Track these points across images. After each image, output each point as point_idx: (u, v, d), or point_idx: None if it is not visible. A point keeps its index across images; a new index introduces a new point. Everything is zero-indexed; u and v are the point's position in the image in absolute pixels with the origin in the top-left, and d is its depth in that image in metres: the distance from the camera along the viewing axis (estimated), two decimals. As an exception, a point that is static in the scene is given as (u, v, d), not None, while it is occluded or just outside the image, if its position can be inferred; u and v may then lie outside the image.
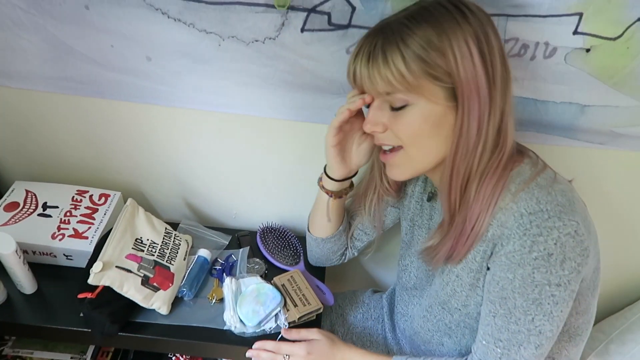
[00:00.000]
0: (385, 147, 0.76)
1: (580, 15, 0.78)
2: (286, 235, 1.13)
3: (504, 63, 0.67)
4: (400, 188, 0.95)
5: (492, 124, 0.67)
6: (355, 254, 1.04)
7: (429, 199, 0.90)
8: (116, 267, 0.90)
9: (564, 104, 0.90)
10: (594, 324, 1.28)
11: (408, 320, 0.98)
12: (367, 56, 0.68)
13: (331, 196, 0.91)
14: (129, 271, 0.91)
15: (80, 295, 0.87)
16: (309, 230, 1.01)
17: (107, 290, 0.88)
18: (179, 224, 1.13)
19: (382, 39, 0.66)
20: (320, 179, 0.93)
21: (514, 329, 0.71)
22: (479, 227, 0.71)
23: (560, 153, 0.95)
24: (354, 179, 0.93)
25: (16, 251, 0.88)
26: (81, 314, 0.91)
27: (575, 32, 0.81)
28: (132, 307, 0.92)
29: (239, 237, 1.14)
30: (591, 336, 1.25)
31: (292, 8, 0.82)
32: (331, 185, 0.90)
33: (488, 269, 0.74)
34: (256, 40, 0.86)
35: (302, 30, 0.84)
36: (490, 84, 0.66)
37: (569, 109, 0.90)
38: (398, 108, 0.69)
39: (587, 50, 0.83)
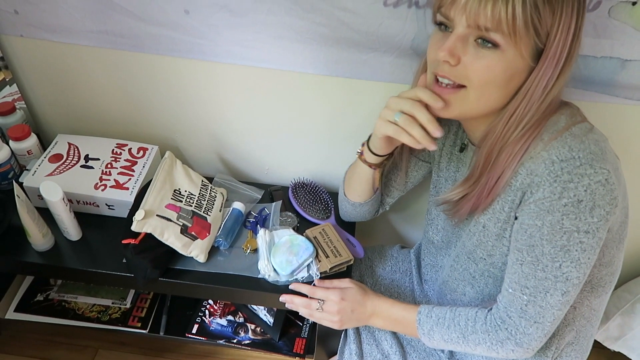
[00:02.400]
0: (444, 81, 0.71)
1: (627, -36, 0.76)
2: (317, 190, 1.15)
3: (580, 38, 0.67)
4: None
5: (550, 95, 0.68)
6: (387, 208, 1.06)
7: (461, 150, 0.90)
8: (157, 215, 0.94)
9: (605, 59, 0.88)
10: (621, 284, 1.29)
11: (438, 270, 1.00)
12: None
13: (374, 168, 0.90)
14: (169, 220, 0.95)
15: (125, 241, 0.91)
16: (345, 195, 1.02)
17: (149, 237, 0.92)
18: (213, 178, 1.16)
19: None
20: (360, 153, 0.91)
21: (540, 276, 0.71)
22: (507, 176, 0.71)
23: (598, 109, 0.93)
24: None
25: (63, 199, 0.93)
26: (124, 260, 0.96)
27: (621, -17, 0.78)
28: (171, 254, 0.96)
29: (272, 192, 1.17)
30: (617, 295, 1.26)
31: (330, -42, 0.82)
32: (373, 159, 0.89)
33: (516, 218, 0.74)
34: (293, -8, 0.86)
35: (340, -19, 0.84)
36: (568, 57, 0.66)
37: (610, 64, 0.89)
38: (487, 46, 0.65)
39: (634, 4, 0.80)
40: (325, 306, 0.91)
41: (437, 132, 0.72)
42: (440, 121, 0.74)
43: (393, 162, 0.99)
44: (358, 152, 0.92)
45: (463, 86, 0.70)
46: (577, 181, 0.65)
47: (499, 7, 0.61)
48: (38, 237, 0.95)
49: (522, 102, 0.69)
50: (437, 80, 0.72)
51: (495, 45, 0.64)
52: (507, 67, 0.66)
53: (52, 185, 0.92)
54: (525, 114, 0.69)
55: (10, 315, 1.19)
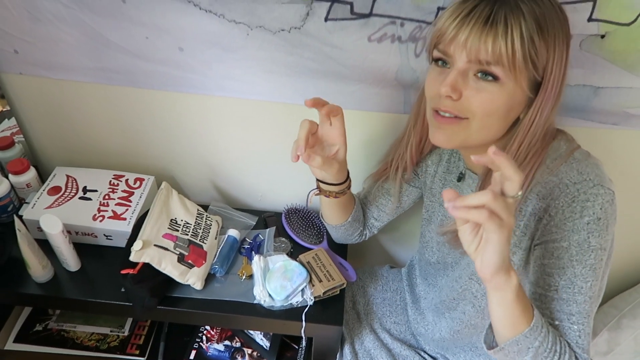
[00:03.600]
0: (445, 114, 0.73)
1: (594, 2, 0.81)
2: (310, 215, 1.18)
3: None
4: (418, 164, 0.98)
5: (551, 119, 0.72)
6: (375, 232, 1.09)
7: (459, 179, 0.91)
8: (154, 245, 0.97)
9: (578, 87, 0.93)
10: (607, 300, 1.33)
11: (436, 290, 1.02)
12: (485, 19, 0.64)
13: (335, 197, 0.91)
14: (166, 249, 0.98)
15: (123, 271, 0.93)
16: (322, 217, 1.05)
17: (147, 267, 0.94)
18: (208, 206, 1.19)
19: (504, 7, 0.65)
20: (316, 190, 0.93)
21: (580, 300, 0.72)
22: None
23: (575, 133, 0.97)
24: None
25: (62, 231, 0.95)
26: (122, 289, 0.98)
27: (590, 19, 0.83)
28: (169, 282, 0.98)
29: (265, 218, 1.20)
30: (604, 311, 1.30)
31: (316, -2, 0.86)
32: (330, 188, 0.90)
33: (535, 246, 0.76)
34: (282, 30, 0.91)
35: (326, 19, 0.88)
36: (563, 86, 0.70)
37: (583, 91, 0.94)
38: (487, 79, 0.68)
39: (602, 37, 0.86)
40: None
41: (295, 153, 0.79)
42: (435, 147, 0.79)
43: (385, 189, 1.02)
44: (315, 193, 0.93)
45: (466, 118, 0.71)
46: (594, 200, 0.69)
47: (499, 42, 0.64)
48: (38, 268, 0.97)
49: (530, 132, 0.72)
50: (438, 113, 0.73)
51: (495, 78, 0.67)
52: (507, 99, 0.69)
53: (51, 218, 0.95)
54: (530, 143, 0.72)
55: (10, 346, 1.20)
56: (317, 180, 0.91)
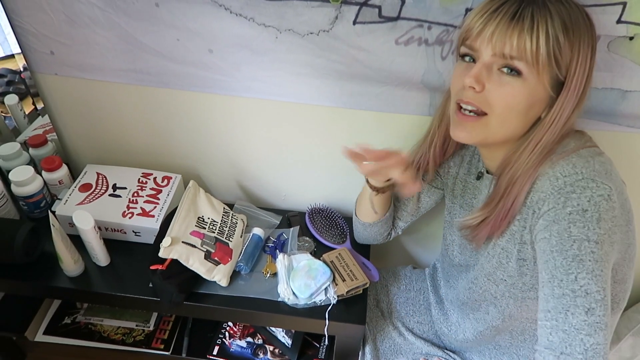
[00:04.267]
0: (467, 107, 0.75)
1: (624, 4, 0.81)
2: (333, 215, 1.19)
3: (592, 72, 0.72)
4: (441, 165, 0.99)
5: (568, 124, 0.72)
6: (399, 233, 1.10)
7: (478, 178, 0.93)
8: (182, 242, 0.99)
9: (606, 90, 0.93)
10: (632, 305, 1.31)
11: (455, 292, 1.03)
12: (512, 15, 0.67)
13: (376, 192, 0.96)
14: (194, 246, 1.00)
15: (152, 267, 0.96)
16: (356, 214, 1.07)
17: (175, 263, 0.97)
18: (233, 204, 1.22)
19: (532, 5, 0.67)
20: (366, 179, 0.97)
21: (558, 293, 0.67)
22: (521, 197, 0.74)
23: (602, 137, 0.96)
24: None
25: (94, 227, 0.98)
26: (150, 284, 1.01)
27: (619, 21, 0.83)
28: (195, 279, 1.00)
29: (289, 218, 1.22)
30: (628, 316, 1.28)
31: (345, 2, 0.88)
32: (376, 182, 0.95)
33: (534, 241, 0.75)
34: (311, 33, 0.92)
35: (354, 22, 0.90)
36: (586, 89, 0.71)
37: (611, 95, 0.93)
38: (511, 74, 0.69)
39: (631, 39, 0.85)
40: None
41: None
42: (458, 149, 0.81)
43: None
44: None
45: (485, 114, 0.74)
46: (580, 192, 0.67)
47: (524, 38, 0.66)
48: (70, 263, 1.01)
49: (548, 132, 0.72)
50: (460, 108, 0.76)
51: (518, 73, 0.69)
52: (528, 95, 0.70)
53: (84, 214, 0.98)
54: (548, 143, 0.73)
55: (40, 337, 1.23)
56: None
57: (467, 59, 0.75)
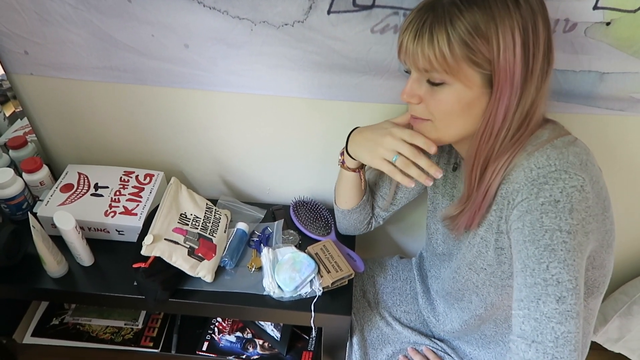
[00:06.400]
0: (414, 115, 0.80)
1: (599, -11, 0.81)
2: (317, 207, 1.19)
3: (547, 55, 0.70)
4: None
5: (518, 113, 0.71)
6: (381, 222, 1.10)
7: (454, 169, 0.95)
8: (165, 239, 0.99)
9: (583, 73, 0.93)
10: (618, 287, 1.33)
11: (440, 282, 1.04)
12: (415, 32, 0.69)
13: (358, 171, 0.97)
14: (177, 243, 0.99)
15: (135, 265, 0.95)
16: (335, 203, 1.08)
17: (158, 260, 0.96)
18: (217, 200, 1.21)
19: (432, 17, 0.68)
20: (342, 162, 0.98)
21: (530, 282, 0.68)
22: (493, 188, 0.75)
23: (580, 120, 0.98)
24: None
25: (75, 227, 0.97)
26: (135, 283, 1.00)
27: (595, 7, 0.83)
28: (180, 276, 1.00)
29: (274, 211, 1.22)
30: (615, 298, 1.29)
31: (318, -9, 0.87)
32: (354, 163, 0.96)
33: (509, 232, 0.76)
34: (286, 24, 0.91)
35: (329, 12, 0.89)
36: (526, 76, 0.69)
37: (588, 77, 0.93)
38: (435, 84, 0.72)
39: (607, 24, 0.85)
40: None
41: (438, 173, 0.80)
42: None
43: (387, 177, 1.03)
44: (340, 162, 0.98)
45: (428, 119, 0.78)
46: (552, 183, 0.67)
47: (427, 51, 0.69)
48: (53, 264, 1.00)
49: (488, 124, 0.73)
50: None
51: (440, 82, 0.72)
52: (459, 99, 0.72)
53: (65, 215, 0.97)
54: (496, 134, 0.73)
55: (28, 340, 1.23)
56: (346, 152, 0.95)
57: (408, 73, 0.78)
